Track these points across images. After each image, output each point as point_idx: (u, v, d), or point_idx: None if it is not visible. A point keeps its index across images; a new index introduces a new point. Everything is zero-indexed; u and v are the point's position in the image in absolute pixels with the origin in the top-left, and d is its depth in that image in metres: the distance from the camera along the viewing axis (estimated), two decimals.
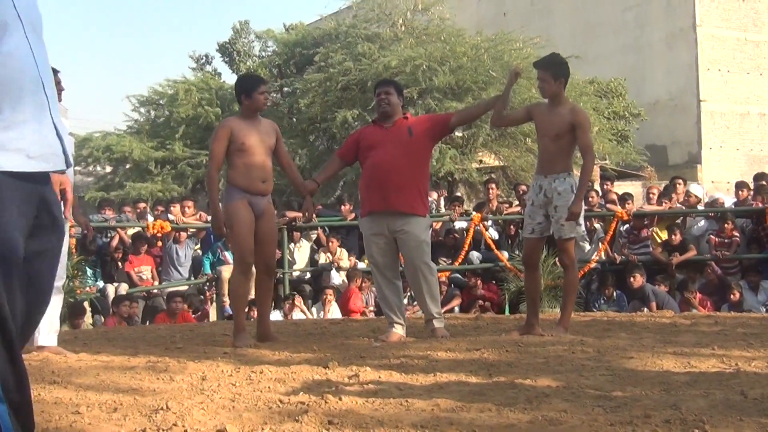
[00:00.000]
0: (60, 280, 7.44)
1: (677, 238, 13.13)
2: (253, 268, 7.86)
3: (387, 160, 7.82)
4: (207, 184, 7.88)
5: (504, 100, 8.15)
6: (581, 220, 7.79)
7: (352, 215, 14.00)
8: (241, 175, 7.59)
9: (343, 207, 14.74)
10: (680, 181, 14.74)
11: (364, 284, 13.40)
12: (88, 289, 12.60)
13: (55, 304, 7.30)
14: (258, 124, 7.72)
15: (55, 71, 7.62)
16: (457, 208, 14.66)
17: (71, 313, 11.29)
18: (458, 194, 19.34)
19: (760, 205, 13.31)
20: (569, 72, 8.01)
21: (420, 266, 7.90)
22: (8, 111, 3.11)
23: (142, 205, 15.35)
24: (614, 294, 12.76)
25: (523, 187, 14.29)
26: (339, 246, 14.09)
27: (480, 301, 13.39)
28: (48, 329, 7.28)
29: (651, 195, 14.25)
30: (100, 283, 13.11)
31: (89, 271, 13.00)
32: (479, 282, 13.57)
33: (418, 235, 7.88)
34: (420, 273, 7.90)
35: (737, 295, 12.24)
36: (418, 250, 7.90)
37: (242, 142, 7.54)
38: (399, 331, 7.86)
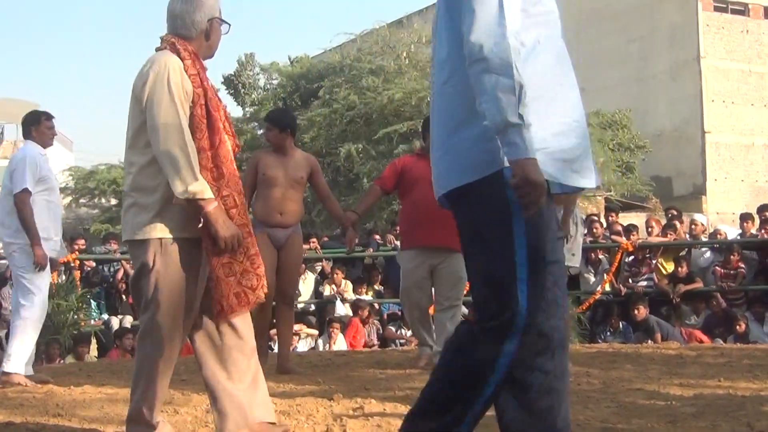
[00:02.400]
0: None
1: (683, 270, 13.08)
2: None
3: (433, 195, 7.80)
4: None
5: None
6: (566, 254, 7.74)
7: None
8: (259, 207, 7.65)
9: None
10: (674, 211, 14.75)
11: (369, 318, 13.34)
12: (93, 322, 12.58)
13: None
14: (287, 157, 7.73)
15: (49, 116, 7.80)
16: None
17: (76, 342, 11.29)
18: None
19: (767, 236, 13.28)
20: None
21: (454, 300, 8.05)
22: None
23: None
24: (620, 325, 12.71)
25: None
26: (344, 278, 14.06)
27: None
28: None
29: (650, 228, 14.17)
30: (105, 316, 13.09)
31: (93, 304, 12.98)
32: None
33: (458, 271, 7.87)
34: (451, 307, 8.02)
35: (743, 326, 12.19)
36: (457, 286, 8.06)
37: (263, 173, 7.61)
38: (428, 351, 8.05)
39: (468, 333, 3.29)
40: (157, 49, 4.41)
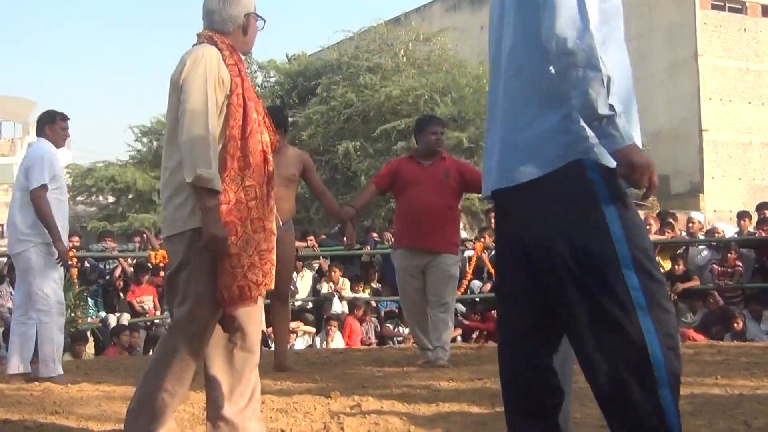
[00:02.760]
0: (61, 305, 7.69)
1: (680, 267, 13.09)
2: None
3: (424, 198, 8.09)
4: None
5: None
6: None
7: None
8: None
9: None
10: (671, 219, 14.75)
11: (365, 316, 13.36)
12: (90, 319, 12.58)
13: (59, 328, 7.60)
14: (279, 155, 7.64)
15: (64, 116, 7.83)
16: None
17: (74, 340, 11.27)
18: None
19: (764, 234, 13.29)
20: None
21: (444, 299, 8.18)
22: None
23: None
24: None
25: None
26: (341, 275, 14.06)
27: (480, 331, 13.37)
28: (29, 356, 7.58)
29: (648, 226, 14.15)
30: (102, 314, 13.08)
31: (90, 301, 12.97)
32: (477, 316, 13.59)
33: (448, 270, 8.20)
34: (442, 306, 8.16)
35: (740, 324, 12.20)
36: (447, 285, 8.21)
37: None
38: (429, 356, 8.12)
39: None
40: (193, 45, 4.42)
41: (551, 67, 3.14)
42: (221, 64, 4.25)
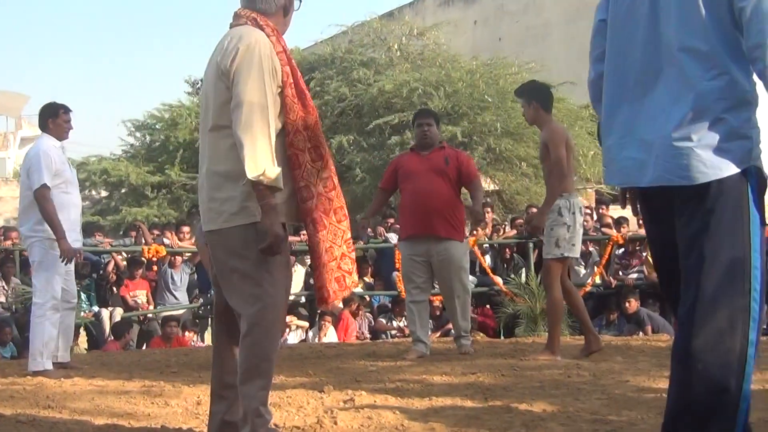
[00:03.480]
0: (75, 298, 7.92)
1: None
2: None
3: (426, 186, 8.22)
4: None
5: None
6: (562, 242, 7.75)
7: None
8: None
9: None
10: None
11: (359, 310, 13.36)
12: (83, 314, 12.56)
13: (72, 321, 7.91)
14: None
15: (67, 109, 7.88)
16: None
17: None
18: None
19: None
20: (545, 94, 8.11)
21: (457, 288, 8.36)
22: None
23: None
24: (616, 318, 12.72)
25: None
26: None
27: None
28: (65, 346, 7.74)
29: (641, 220, 14.17)
30: (95, 308, 13.07)
31: (83, 296, 12.96)
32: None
33: (458, 259, 8.37)
34: (456, 295, 8.36)
35: None
36: (458, 273, 8.37)
37: None
38: (422, 349, 8.29)
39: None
40: (232, 25, 4.24)
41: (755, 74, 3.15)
42: (272, 53, 4.08)
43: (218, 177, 4.09)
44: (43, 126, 7.85)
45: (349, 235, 4.25)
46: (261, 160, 3.89)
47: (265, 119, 3.95)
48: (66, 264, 7.52)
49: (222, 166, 4.07)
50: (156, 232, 14.98)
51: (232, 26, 4.24)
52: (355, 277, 4.26)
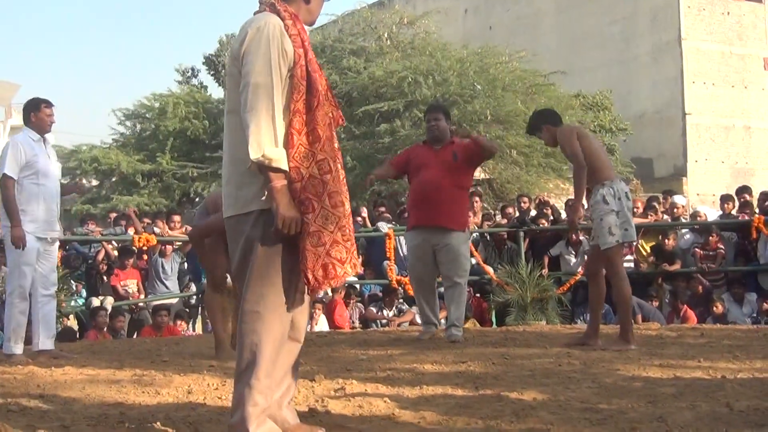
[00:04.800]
0: (53, 287, 8.05)
1: (671, 242, 13.15)
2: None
3: (433, 179, 8.51)
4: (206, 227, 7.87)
5: None
6: (615, 229, 7.80)
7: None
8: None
9: None
10: (655, 201, 14.77)
11: (350, 300, 13.35)
12: (73, 303, 12.55)
13: (51, 310, 8.01)
14: None
15: (49, 103, 8.10)
16: None
17: (59, 337, 11.30)
18: None
19: (746, 218, 13.34)
20: (550, 115, 8.44)
21: (454, 277, 8.62)
22: None
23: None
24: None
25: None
26: None
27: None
28: (46, 334, 7.88)
29: (635, 209, 14.20)
30: (83, 298, 13.04)
31: (74, 285, 12.94)
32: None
33: (456, 248, 8.62)
34: (453, 283, 8.64)
35: (720, 307, 12.26)
36: (455, 262, 8.63)
37: None
38: (432, 330, 8.83)
39: None
40: (256, 13, 4.23)
41: None
42: (284, 34, 4.04)
43: (236, 162, 4.08)
44: (26, 120, 8.07)
45: (345, 223, 4.07)
46: (262, 141, 3.86)
47: (270, 100, 3.92)
48: (18, 249, 7.67)
49: (238, 151, 4.04)
50: (147, 220, 14.97)
51: (254, 14, 4.24)
52: (348, 268, 4.08)
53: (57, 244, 8.33)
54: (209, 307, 8.16)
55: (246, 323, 4.02)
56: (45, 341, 7.89)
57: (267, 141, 3.87)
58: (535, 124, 8.39)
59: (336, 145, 4.14)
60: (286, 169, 3.93)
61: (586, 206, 8.69)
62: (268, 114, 3.90)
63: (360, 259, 14.44)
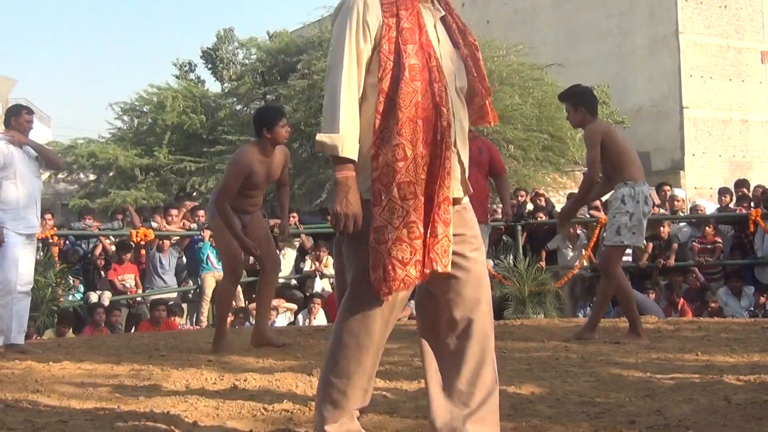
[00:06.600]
0: (29, 285, 8.28)
1: (666, 230, 13.18)
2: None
3: None
4: (221, 215, 7.54)
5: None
6: (623, 230, 7.81)
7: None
8: (237, 200, 7.55)
9: (329, 216, 14.85)
10: (668, 187, 14.78)
11: None
12: (71, 298, 12.55)
13: (25, 306, 8.21)
14: (273, 158, 7.68)
15: (30, 111, 8.51)
16: None
17: (59, 321, 11.36)
18: None
19: (744, 211, 13.35)
20: (592, 100, 8.19)
21: None
22: None
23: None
24: None
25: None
26: (328, 254, 14.09)
27: None
28: (17, 329, 8.08)
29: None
30: (81, 293, 13.03)
31: (71, 280, 12.93)
32: None
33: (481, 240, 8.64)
34: None
35: (714, 305, 12.27)
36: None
37: (253, 182, 7.54)
38: None
39: None
40: None
41: None
42: (368, 5, 3.65)
43: None
44: (7, 123, 8.42)
45: (414, 218, 3.54)
46: (323, 127, 3.61)
47: (337, 82, 3.61)
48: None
49: None
50: (142, 218, 14.99)
51: None
52: (412, 270, 3.54)
53: (35, 242, 8.57)
54: (221, 299, 8.16)
55: (339, 319, 3.76)
56: (16, 336, 8.09)
57: (325, 126, 3.60)
58: (574, 98, 8.10)
59: (444, 122, 3.62)
60: (348, 156, 3.57)
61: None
62: (332, 98, 3.61)
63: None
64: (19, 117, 8.32)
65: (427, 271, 3.56)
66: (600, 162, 7.82)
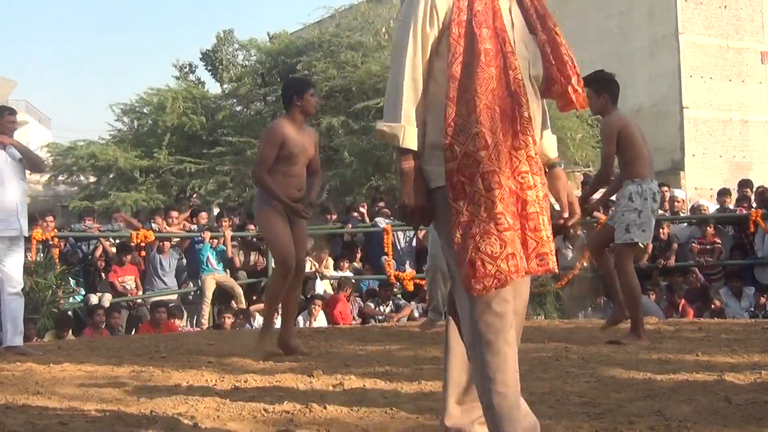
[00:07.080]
0: (20, 285, 8.31)
1: (666, 230, 13.17)
2: None
3: None
4: (263, 185, 7.50)
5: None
6: (632, 228, 7.78)
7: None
8: (279, 183, 7.42)
9: (329, 216, 14.87)
10: (667, 188, 14.79)
11: (350, 295, 13.35)
12: (71, 300, 12.55)
13: (18, 307, 8.20)
14: (304, 132, 7.67)
15: (13, 111, 8.67)
16: None
17: (57, 325, 11.36)
18: None
19: (744, 211, 13.36)
20: (616, 88, 8.16)
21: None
22: None
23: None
24: (601, 302, 12.75)
25: None
26: (329, 256, 14.10)
27: None
28: (13, 331, 8.12)
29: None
30: (81, 295, 13.04)
31: (72, 282, 12.94)
32: None
33: None
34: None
35: (718, 304, 12.27)
36: None
37: (290, 152, 7.43)
38: (440, 319, 8.93)
39: None
40: None
41: None
42: None
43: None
44: None
45: (501, 209, 3.31)
46: (384, 116, 3.51)
47: (400, 70, 3.49)
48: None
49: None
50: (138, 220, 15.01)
51: None
52: (504, 265, 3.29)
53: (22, 243, 8.52)
54: (269, 293, 7.95)
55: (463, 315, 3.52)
56: (13, 338, 8.11)
57: (386, 115, 3.50)
58: (599, 84, 7.98)
59: (524, 111, 3.46)
60: (409, 147, 3.45)
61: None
62: (394, 86, 3.51)
63: (358, 255, 14.43)
64: (1, 118, 8.34)
65: (524, 270, 3.36)
66: (616, 155, 7.84)
